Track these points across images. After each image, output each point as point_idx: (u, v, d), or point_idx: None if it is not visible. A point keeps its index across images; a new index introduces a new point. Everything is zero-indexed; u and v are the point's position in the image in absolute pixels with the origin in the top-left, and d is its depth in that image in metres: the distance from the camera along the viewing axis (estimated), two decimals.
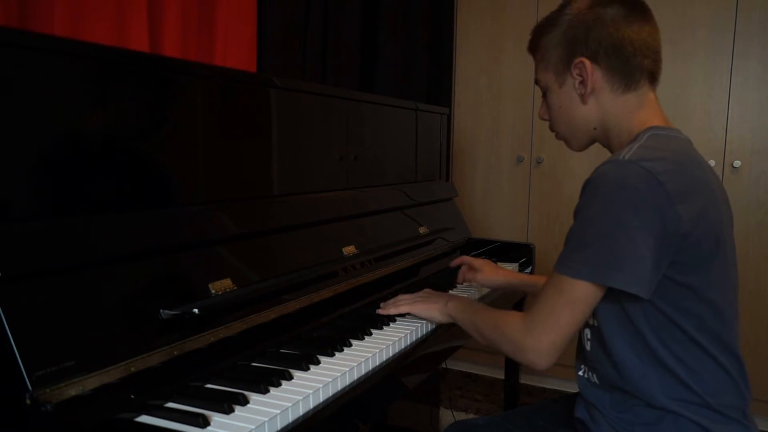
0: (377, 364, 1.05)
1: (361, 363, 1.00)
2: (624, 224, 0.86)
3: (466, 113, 2.83)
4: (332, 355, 1.03)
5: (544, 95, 1.10)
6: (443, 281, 1.57)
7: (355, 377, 0.98)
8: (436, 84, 2.77)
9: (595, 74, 1.00)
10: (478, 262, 1.53)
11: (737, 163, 2.33)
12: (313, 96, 1.43)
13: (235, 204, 1.16)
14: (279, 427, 0.81)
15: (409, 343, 1.16)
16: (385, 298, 1.33)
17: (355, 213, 1.48)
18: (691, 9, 2.36)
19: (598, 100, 1.02)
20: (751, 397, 0.99)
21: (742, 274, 2.21)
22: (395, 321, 1.23)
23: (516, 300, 1.84)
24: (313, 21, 2.38)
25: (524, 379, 2.64)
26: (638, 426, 0.96)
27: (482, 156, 2.82)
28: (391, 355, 1.09)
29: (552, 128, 1.12)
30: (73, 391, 0.72)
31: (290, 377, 0.93)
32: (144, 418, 0.80)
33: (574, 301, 0.91)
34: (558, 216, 2.67)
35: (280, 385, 0.90)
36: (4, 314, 0.70)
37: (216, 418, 0.79)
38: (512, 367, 1.99)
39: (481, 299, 1.52)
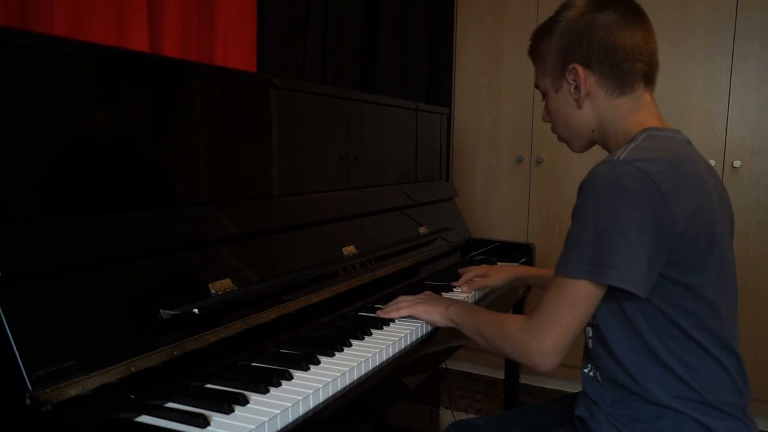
0: (377, 364, 1.05)
1: (361, 363, 1.00)
2: (619, 223, 0.87)
3: (466, 113, 2.83)
4: (332, 355, 1.03)
5: (544, 99, 1.13)
6: (443, 281, 1.56)
7: (355, 377, 0.98)
8: (436, 84, 2.77)
9: (588, 80, 1.02)
10: (481, 269, 1.55)
11: (737, 163, 2.33)
12: (313, 96, 1.43)
13: (235, 204, 1.16)
14: (279, 427, 0.81)
15: (409, 343, 1.16)
16: (386, 298, 1.33)
17: (355, 213, 1.48)
18: (691, 9, 2.36)
19: (594, 104, 1.04)
20: (751, 395, 0.99)
21: (742, 274, 2.22)
22: (395, 321, 1.23)
23: (516, 300, 1.85)
24: (313, 21, 2.38)
25: (524, 379, 2.64)
26: (638, 423, 0.96)
27: (482, 156, 2.82)
28: (391, 355, 1.09)
29: (553, 131, 1.15)
30: (73, 391, 0.72)
31: (290, 377, 0.93)
32: (144, 418, 0.79)
33: (575, 301, 0.91)
34: (558, 216, 2.67)
35: (280, 385, 0.90)
36: (4, 314, 0.70)
37: (216, 418, 0.79)
38: (512, 367, 1.99)
39: (481, 300, 1.52)
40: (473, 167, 2.84)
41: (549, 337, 0.93)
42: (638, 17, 1.01)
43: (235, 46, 2.06)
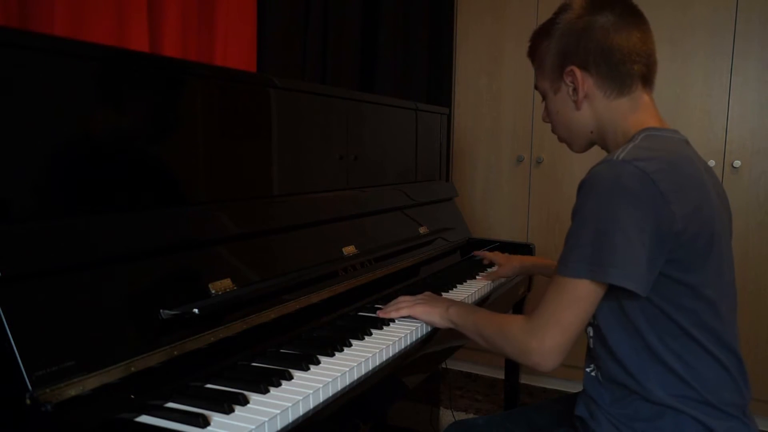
0: (377, 364, 1.05)
1: (361, 363, 1.00)
2: (619, 223, 0.87)
3: (466, 113, 2.83)
4: (332, 355, 1.03)
5: (544, 100, 1.13)
6: (443, 281, 1.57)
7: (355, 377, 0.98)
8: (436, 84, 2.77)
9: (586, 82, 1.03)
10: (497, 256, 1.73)
11: (737, 163, 2.33)
12: (313, 96, 1.43)
13: (236, 204, 1.16)
14: (279, 427, 0.81)
15: (409, 343, 1.16)
16: (386, 299, 1.33)
17: (355, 213, 1.48)
18: (691, 9, 2.36)
19: (592, 106, 1.05)
20: (751, 395, 0.99)
21: (742, 274, 2.22)
22: (395, 321, 1.23)
23: (516, 300, 1.85)
24: (313, 21, 2.38)
25: (524, 379, 2.64)
26: (638, 422, 0.96)
27: (482, 156, 2.82)
28: (391, 355, 1.09)
29: (553, 131, 1.15)
30: (73, 391, 0.72)
31: (290, 377, 0.93)
32: (144, 418, 0.79)
33: (575, 300, 0.91)
34: (558, 216, 2.67)
35: (280, 385, 0.90)
36: (4, 314, 0.70)
37: (216, 418, 0.79)
38: (512, 367, 1.99)
39: (481, 301, 1.52)
40: (473, 167, 2.84)
41: (549, 336, 0.93)
42: (636, 18, 1.02)
43: (235, 46, 2.06)
